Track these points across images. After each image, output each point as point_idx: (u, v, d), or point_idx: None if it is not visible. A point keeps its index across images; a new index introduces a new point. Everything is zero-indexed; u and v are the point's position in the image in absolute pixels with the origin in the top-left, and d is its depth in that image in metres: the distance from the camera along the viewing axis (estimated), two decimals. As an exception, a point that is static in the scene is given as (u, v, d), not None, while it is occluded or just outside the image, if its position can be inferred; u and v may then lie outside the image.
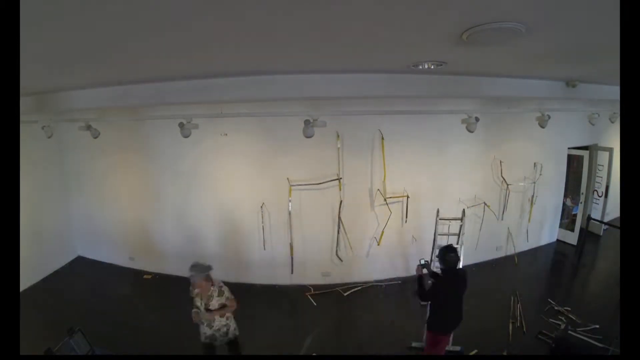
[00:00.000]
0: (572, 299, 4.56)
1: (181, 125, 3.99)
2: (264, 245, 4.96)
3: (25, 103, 3.85)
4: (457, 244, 4.12)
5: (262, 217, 4.90)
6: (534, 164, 5.65)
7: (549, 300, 4.45)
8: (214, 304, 2.97)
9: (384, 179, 4.76)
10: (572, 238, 6.27)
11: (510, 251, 5.79)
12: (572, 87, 3.93)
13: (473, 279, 4.97)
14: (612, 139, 6.45)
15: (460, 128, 4.13)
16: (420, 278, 3.06)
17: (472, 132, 4.06)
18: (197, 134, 4.22)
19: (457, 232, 4.21)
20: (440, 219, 4.27)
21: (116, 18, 1.48)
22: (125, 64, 2.51)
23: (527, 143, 5.57)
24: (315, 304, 4.63)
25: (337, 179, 4.71)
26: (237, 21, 1.59)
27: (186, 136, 4.07)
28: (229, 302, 3.09)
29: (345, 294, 4.77)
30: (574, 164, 6.31)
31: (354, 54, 2.42)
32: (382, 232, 4.89)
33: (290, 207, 4.77)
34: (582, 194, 6.29)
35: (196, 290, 2.98)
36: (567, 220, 6.48)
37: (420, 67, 2.79)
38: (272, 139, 4.69)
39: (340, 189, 4.74)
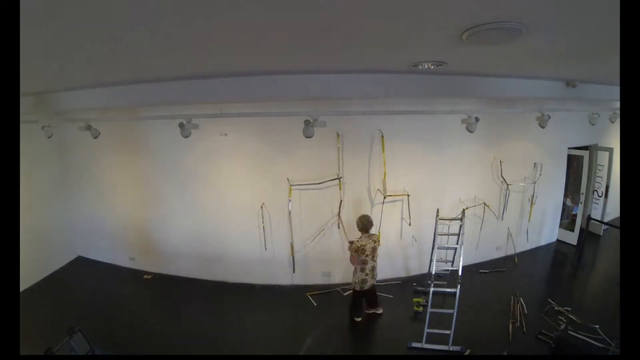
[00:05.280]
0: (572, 299, 4.56)
1: (181, 125, 4.00)
2: (264, 246, 4.96)
3: (25, 103, 3.86)
4: (457, 243, 4.13)
5: (263, 217, 4.90)
6: (534, 164, 5.65)
7: (549, 300, 4.45)
8: None
9: (384, 178, 4.76)
10: (572, 238, 6.26)
11: (510, 251, 5.79)
12: (572, 87, 3.94)
13: (474, 280, 5.03)
14: (612, 139, 6.46)
15: (460, 128, 4.14)
16: None
17: (472, 132, 4.07)
18: (197, 134, 4.24)
19: (457, 232, 4.21)
20: (440, 219, 4.27)
21: (116, 17, 1.49)
22: (126, 63, 2.52)
23: (527, 143, 5.57)
24: (315, 304, 4.63)
25: (337, 179, 4.71)
26: (237, 21, 1.59)
27: (186, 136, 4.07)
28: None
29: (345, 294, 4.76)
30: (574, 164, 6.31)
31: (354, 54, 2.42)
32: (379, 232, 4.89)
33: (290, 207, 4.77)
34: (582, 194, 6.29)
35: None
36: (567, 220, 6.47)
37: (420, 67, 2.79)
38: (272, 139, 4.69)
39: (340, 189, 4.74)
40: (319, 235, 4.95)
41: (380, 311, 4.37)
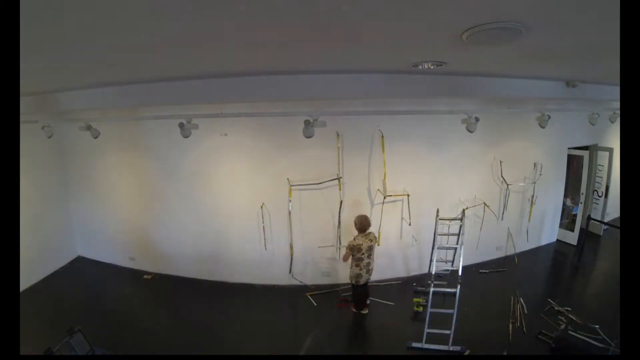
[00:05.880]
0: (572, 299, 4.56)
1: (181, 125, 4.00)
2: (264, 246, 4.96)
3: (25, 103, 3.86)
4: (457, 243, 4.13)
5: (262, 217, 4.89)
6: (534, 164, 5.65)
7: (549, 300, 4.44)
8: None
9: (384, 178, 4.76)
10: (572, 238, 6.27)
11: (510, 251, 5.79)
12: (572, 87, 3.94)
13: (474, 280, 5.04)
14: (612, 139, 6.46)
15: (460, 128, 4.13)
16: None
17: (472, 132, 4.07)
18: (197, 134, 4.23)
19: (457, 232, 4.21)
20: (440, 219, 4.27)
21: (116, 18, 1.49)
22: (126, 63, 2.52)
23: (527, 143, 5.57)
24: (315, 304, 4.63)
25: (337, 179, 4.71)
26: (237, 21, 1.59)
27: (186, 136, 4.08)
28: None
29: (345, 294, 4.76)
30: (574, 164, 6.31)
31: (354, 54, 2.42)
32: (379, 232, 4.89)
33: (290, 207, 4.77)
34: (582, 194, 6.29)
35: None
36: (567, 220, 6.47)
37: (420, 67, 2.79)
38: (272, 139, 4.69)
39: (340, 189, 4.74)
40: (318, 236, 4.95)
41: (365, 311, 4.42)
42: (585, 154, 6.18)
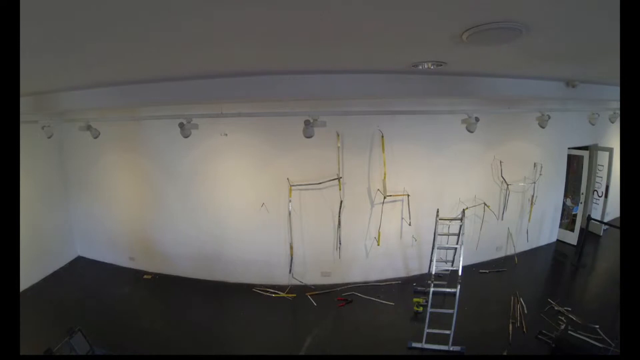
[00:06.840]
0: (572, 299, 4.56)
1: (181, 125, 4.01)
2: (264, 246, 4.96)
3: (25, 103, 3.86)
4: (457, 244, 4.13)
5: (262, 217, 4.89)
6: (534, 164, 5.65)
7: (549, 300, 4.45)
8: None
9: (384, 178, 4.76)
10: (572, 238, 6.26)
11: (510, 251, 5.79)
12: (572, 87, 3.94)
13: (474, 280, 5.03)
14: (612, 139, 6.46)
15: (460, 128, 4.14)
16: None
17: (472, 132, 4.07)
18: (197, 134, 4.24)
19: (457, 232, 4.22)
20: (440, 219, 4.27)
21: (115, 17, 1.49)
22: (126, 63, 2.51)
23: (527, 143, 5.57)
24: (315, 304, 4.63)
25: (337, 179, 4.71)
26: (237, 21, 1.59)
27: (186, 136, 4.08)
28: None
29: (345, 294, 4.77)
30: (574, 164, 6.31)
31: (354, 54, 2.42)
32: (379, 232, 4.89)
33: (290, 207, 4.77)
34: (582, 194, 6.29)
35: None
36: (567, 220, 6.47)
37: (420, 67, 2.78)
38: (272, 139, 4.69)
39: (340, 189, 4.74)
40: (318, 236, 4.95)
41: None
42: (585, 154, 6.18)
